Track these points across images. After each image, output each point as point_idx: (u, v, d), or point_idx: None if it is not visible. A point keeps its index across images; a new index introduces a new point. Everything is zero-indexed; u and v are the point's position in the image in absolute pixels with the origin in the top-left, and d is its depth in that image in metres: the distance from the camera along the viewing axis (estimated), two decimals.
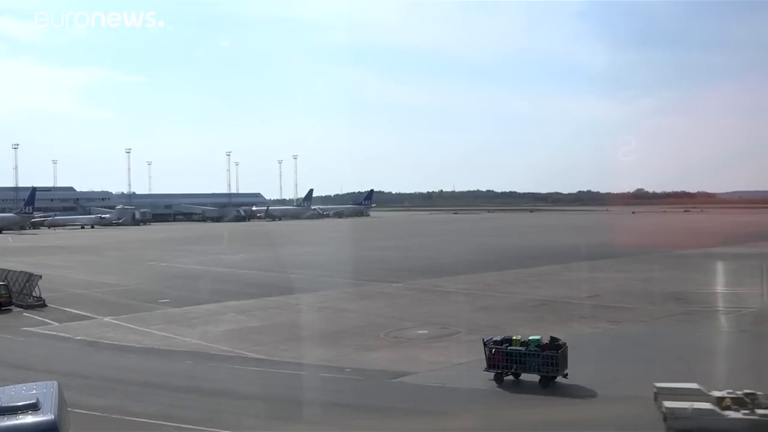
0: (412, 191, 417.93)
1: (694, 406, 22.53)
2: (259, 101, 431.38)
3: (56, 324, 45.23)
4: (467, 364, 32.00)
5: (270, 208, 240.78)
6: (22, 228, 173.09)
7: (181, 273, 73.61)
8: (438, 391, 28.62)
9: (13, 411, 18.82)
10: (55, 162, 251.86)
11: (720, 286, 58.37)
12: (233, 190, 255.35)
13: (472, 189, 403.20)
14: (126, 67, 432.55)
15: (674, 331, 40.07)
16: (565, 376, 28.49)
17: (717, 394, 23.24)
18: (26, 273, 54.00)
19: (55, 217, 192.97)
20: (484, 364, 29.66)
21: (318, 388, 29.07)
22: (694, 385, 24.01)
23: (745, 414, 22.26)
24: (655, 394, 23.91)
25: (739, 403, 22.76)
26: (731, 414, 22.31)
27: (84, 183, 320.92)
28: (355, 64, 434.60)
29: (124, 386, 29.78)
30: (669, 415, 22.44)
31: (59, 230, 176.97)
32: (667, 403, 22.86)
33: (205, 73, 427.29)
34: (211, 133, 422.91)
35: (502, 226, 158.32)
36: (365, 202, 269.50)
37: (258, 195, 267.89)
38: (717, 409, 22.42)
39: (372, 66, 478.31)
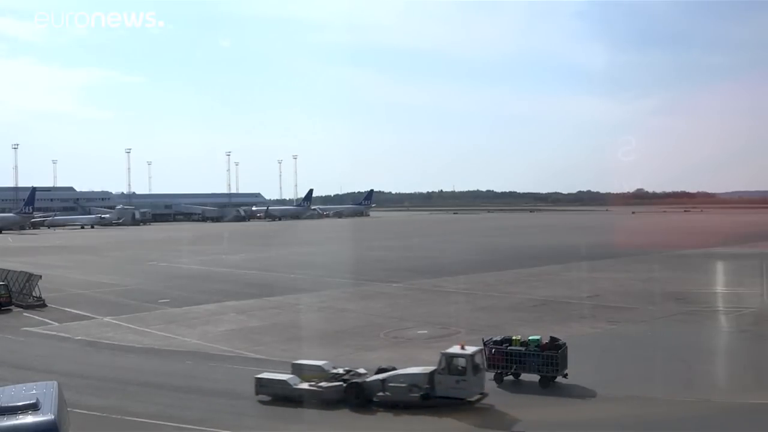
0: (412, 191, 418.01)
1: (274, 377, 27.40)
2: (259, 101, 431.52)
3: (56, 324, 45.25)
4: None
5: (270, 208, 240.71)
6: (22, 228, 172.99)
7: (180, 273, 73.60)
8: None
9: (13, 411, 18.82)
10: (55, 162, 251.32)
11: (720, 286, 58.30)
12: (233, 190, 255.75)
13: (472, 189, 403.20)
14: (126, 67, 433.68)
15: (674, 331, 40.08)
16: (565, 376, 28.50)
17: (334, 370, 27.59)
18: (26, 273, 54.00)
19: (55, 217, 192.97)
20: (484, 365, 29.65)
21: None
22: (322, 362, 28.22)
23: (310, 385, 26.70)
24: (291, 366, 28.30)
25: (337, 376, 27.11)
26: (301, 384, 26.91)
27: (84, 183, 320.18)
28: (355, 64, 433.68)
29: (124, 386, 29.78)
30: (257, 384, 27.31)
31: (59, 230, 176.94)
32: (259, 375, 27.72)
33: (205, 73, 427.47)
34: (211, 133, 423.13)
35: (502, 226, 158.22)
36: (365, 202, 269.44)
37: (258, 195, 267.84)
38: (291, 379, 27.07)
39: (372, 66, 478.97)
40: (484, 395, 26.01)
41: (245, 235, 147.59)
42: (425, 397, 25.45)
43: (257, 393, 27.24)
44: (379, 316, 45.81)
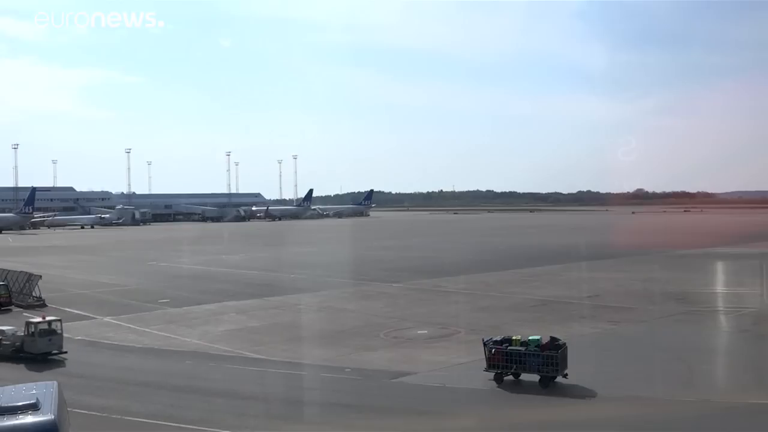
0: (412, 191, 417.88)
1: None
2: (259, 101, 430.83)
3: None
4: (467, 364, 32.00)
5: (270, 208, 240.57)
6: (22, 228, 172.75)
7: (181, 273, 73.56)
8: (438, 391, 28.66)
9: (13, 411, 18.81)
10: (55, 162, 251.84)
11: (720, 287, 58.38)
12: (233, 190, 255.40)
13: (472, 189, 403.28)
14: (126, 67, 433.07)
15: (674, 331, 40.08)
16: (565, 376, 28.50)
17: (16, 335, 35.69)
18: (26, 273, 53.97)
19: (55, 217, 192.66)
20: (484, 364, 29.68)
21: (318, 388, 29.07)
22: (7, 328, 36.51)
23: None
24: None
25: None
26: None
27: (84, 183, 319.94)
28: (355, 64, 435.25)
29: (124, 386, 29.82)
30: None
31: (59, 230, 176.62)
32: None
33: (205, 73, 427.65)
34: (211, 133, 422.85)
35: (501, 226, 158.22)
36: (365, 202, 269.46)
37: (258, 195, 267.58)
38: None
39: (372, 66, 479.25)
40: (61, 352, 34.99)
41: (245, 235, 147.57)
42: (17, 351, 34.93)
43: None
44: (379, 316, 45.81)
